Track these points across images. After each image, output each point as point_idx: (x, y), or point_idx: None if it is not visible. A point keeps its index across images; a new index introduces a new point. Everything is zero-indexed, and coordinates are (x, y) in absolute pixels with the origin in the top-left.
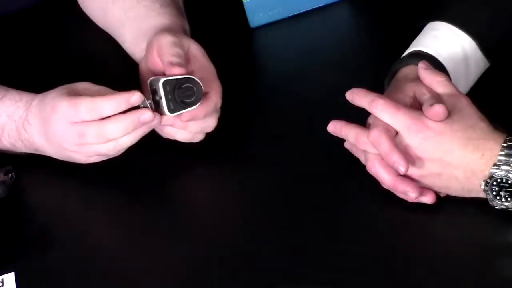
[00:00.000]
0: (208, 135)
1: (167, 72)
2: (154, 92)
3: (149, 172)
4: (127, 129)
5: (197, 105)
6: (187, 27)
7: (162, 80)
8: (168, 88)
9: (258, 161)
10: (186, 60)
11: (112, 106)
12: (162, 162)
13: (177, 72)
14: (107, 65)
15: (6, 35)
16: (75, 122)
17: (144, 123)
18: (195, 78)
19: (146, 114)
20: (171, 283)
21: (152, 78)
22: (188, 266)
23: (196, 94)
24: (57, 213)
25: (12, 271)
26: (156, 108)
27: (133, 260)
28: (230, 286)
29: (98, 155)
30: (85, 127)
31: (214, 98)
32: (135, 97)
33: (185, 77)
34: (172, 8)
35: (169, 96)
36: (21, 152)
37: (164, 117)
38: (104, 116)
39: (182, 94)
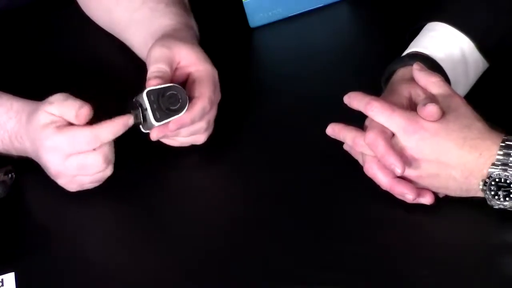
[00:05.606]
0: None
1: (147, 86)
2: (140, 106)
3: (148, 172)
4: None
5: (183, 111)
6: (193, 23)
7: (145, 90)
8: (152, 98)
9: (257, 161)
10: (179, 68)
11: (112, 133)
12: (161, 163)
13: (155, 83)
14: (107, 63)
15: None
16: (71, 154)
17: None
18: (178, 86)
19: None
20: (171, 283)
21: (136, 96)
22: (186, 266)
23: (180, 100)
24: (57, 213)
25: (12, 271)
26: (144, 122)
27: (133, 260)
28: (230, 286)
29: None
30: (85, 157)
31: (201, 103)
32: (132, 120)
33: (168, 86)
34: (176, 7)
35: (154, 106)
36: (14, 155)
37: (153, 131)
38: (104, 143)
39: (167, 102)
